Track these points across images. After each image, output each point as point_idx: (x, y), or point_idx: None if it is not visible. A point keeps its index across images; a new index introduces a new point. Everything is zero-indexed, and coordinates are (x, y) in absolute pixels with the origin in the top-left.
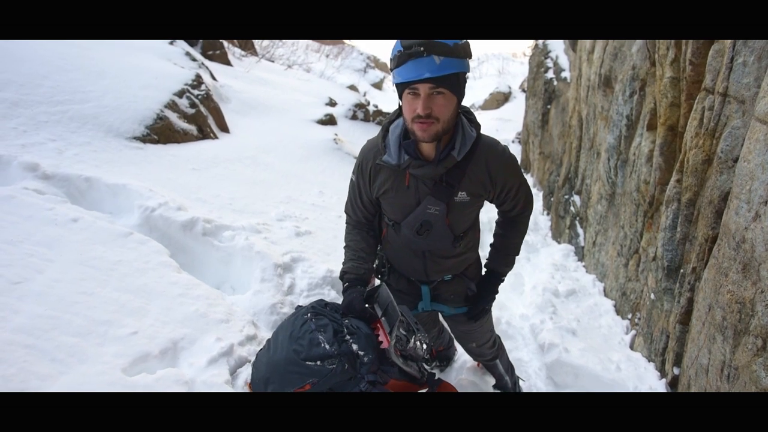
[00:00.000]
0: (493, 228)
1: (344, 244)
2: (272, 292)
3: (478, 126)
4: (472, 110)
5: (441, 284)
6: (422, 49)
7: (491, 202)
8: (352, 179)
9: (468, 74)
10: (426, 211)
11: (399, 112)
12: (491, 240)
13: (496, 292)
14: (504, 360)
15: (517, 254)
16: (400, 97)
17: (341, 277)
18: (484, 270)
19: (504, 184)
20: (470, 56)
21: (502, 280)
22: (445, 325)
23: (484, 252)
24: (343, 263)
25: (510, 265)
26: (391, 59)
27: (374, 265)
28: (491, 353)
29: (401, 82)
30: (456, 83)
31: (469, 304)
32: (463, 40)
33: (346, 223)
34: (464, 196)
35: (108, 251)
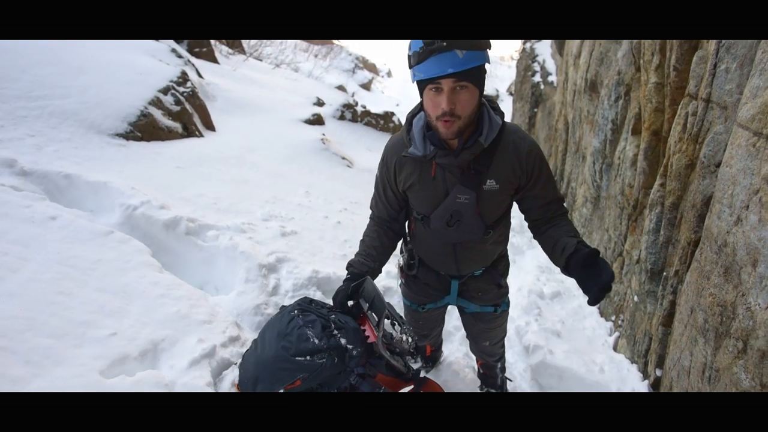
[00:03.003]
0: (528, 230)
1: (361, 238)
2: (256, 293)
3: (502, 114)
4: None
5: (470, 279)
6: (445, 44)
7: (518, 201)
8: (377, 175)
9: (488, 65)
10: (455, 201)
11: (421, 105)
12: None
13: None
14: (503, 360)
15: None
16: (421, 95)
17: (347, 267)
18: (570, 253)
19: (532, 170)
20: (490, 47)
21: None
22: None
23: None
24: (355, 255)
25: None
26: (409, 56)
27: (383, 265)
28: (500, 352)
29: (424, 79)
30: (478, 75)
31: (494, 303)
32: None
33: (369, 218)
34: (493, 184)
35: (87, 250)
